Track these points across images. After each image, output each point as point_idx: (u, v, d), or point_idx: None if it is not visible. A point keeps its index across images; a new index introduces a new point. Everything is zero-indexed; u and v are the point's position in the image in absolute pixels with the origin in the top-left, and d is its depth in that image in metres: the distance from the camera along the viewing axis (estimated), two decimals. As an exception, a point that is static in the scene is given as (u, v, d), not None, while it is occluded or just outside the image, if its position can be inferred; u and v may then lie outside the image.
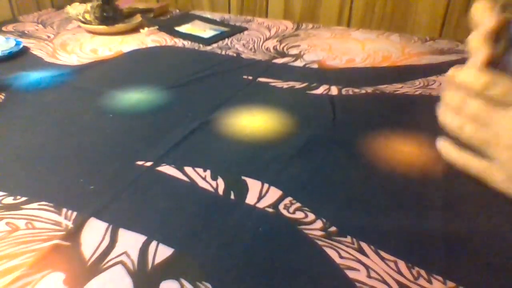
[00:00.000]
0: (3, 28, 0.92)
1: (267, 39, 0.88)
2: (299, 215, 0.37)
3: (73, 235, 0.35)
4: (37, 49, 0.80)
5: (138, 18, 0.96)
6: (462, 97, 0.39)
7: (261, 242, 0.34)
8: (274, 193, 0.40)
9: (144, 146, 0.48)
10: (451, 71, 0.40)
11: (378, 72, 0.71)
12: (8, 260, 0.32)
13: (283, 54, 0.79)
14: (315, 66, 0.73)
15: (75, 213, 0.37)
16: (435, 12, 0.93)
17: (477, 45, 0.39)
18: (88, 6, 0.91)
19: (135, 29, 0.93)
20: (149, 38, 0.89)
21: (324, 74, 0.70)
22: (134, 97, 0.60)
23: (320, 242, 0.34)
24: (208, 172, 0.43)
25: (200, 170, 0.43)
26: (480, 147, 0.38)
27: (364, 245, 0.34)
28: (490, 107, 0.37)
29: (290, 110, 0.56)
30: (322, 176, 0.43)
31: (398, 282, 0.31)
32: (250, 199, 0.39)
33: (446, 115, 0.41)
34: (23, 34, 0.89)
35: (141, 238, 0.34)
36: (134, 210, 0.38)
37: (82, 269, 0.31)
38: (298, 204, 0.39)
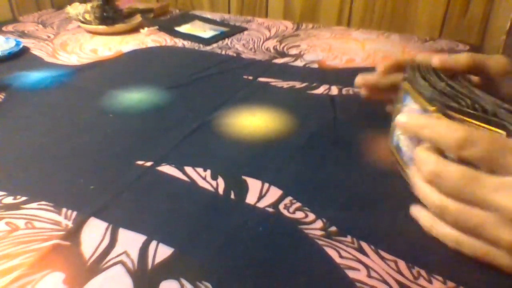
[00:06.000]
0: (3, 28, 0.92)
1: (267, 39, 0.88)
2: (299, 215, 0.37)
3: (73, 235, 0.35)
4: (37, 49, 0.80)
5: (138, 18, 0.96)
6: (438, 162, 0.30)
7: (261, 242, 0.34)
8: (274, 193, 0.40)
9: (144, 146, 0.48)
10: (404, 119, 0.33)
11: (378, 72, 0.71)
12: (8, 260, 0.32)
13: (283, 54, 0.79)
14: (315, 66, 0.74)
15: (75, 213, 0.37)
16: (435, 12, 0.93)
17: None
18: (88, 6, 0.91)
19: (135, 29, 0.93)
20: (149, 38, 0.89)
21: (324, 74, 0.70)
22: (134, 97, 0.60)
23: (320, 242, 0.34)
24: (208, 172, 0.43)
25: (200, 170, 0.43)
26: (473, 231, 0.30)
27: (364, 245, 0.34)
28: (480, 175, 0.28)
29: (290, 110, 0.56)
30: (322, 176, 0.43)
31: (398, 282, 0.31)
32: (250, 198, 0.39)
33: (420, 186, 0.32)
34: (23, 34, 0.89)
35: (141, 238, 0.34)
36: (134, 210, 0.38)
37: (82, 269, 0.31)
38: (298, 204, 0.39)
